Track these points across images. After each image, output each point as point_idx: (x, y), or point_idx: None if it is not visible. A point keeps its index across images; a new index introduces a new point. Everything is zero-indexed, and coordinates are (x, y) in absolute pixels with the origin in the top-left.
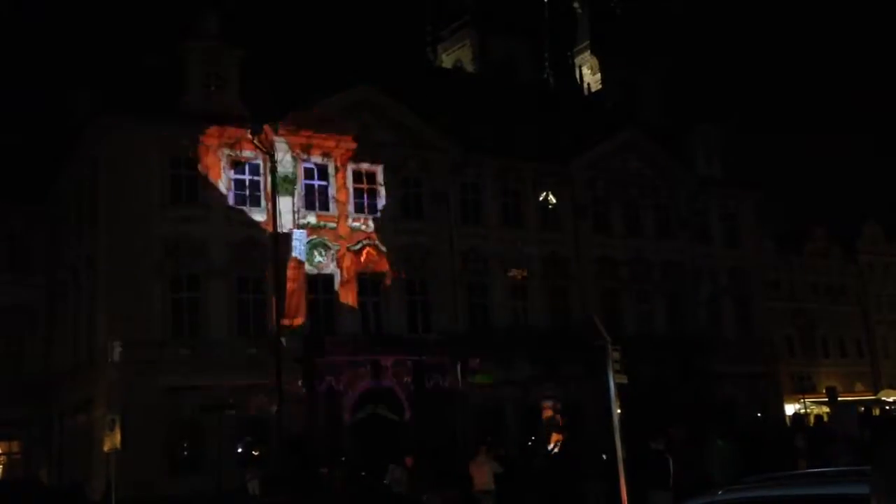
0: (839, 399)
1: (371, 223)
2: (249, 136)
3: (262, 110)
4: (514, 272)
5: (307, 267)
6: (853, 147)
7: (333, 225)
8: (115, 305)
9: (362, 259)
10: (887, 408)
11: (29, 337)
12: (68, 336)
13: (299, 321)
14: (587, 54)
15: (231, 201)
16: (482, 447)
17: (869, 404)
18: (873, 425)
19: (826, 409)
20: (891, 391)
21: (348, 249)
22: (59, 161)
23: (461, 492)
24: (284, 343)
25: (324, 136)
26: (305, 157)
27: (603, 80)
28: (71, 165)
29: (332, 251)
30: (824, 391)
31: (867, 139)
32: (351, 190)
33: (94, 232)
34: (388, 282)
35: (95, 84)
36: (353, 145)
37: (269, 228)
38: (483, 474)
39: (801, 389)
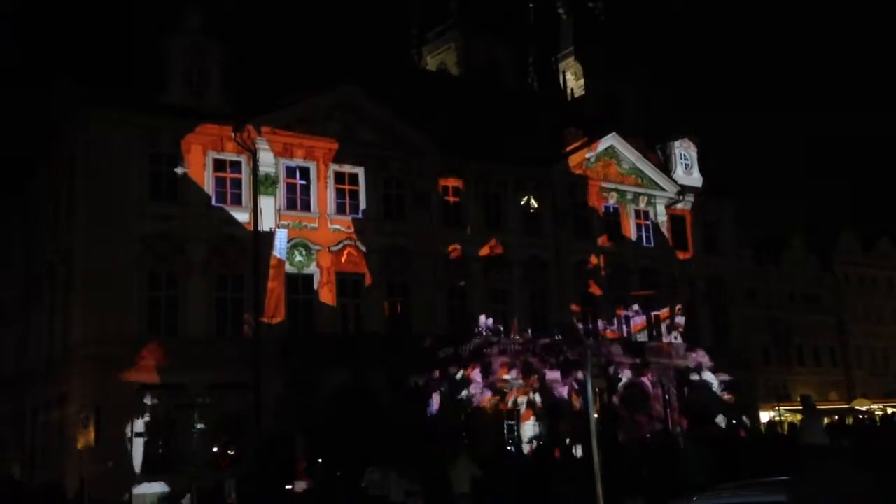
0: (809, 405)
1: (352, 224)
2: (231, 134)
3: (245, 108)
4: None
5: (287, 266)
6: (834, 156)
7: (315, 225)
8: (91, 301)
9: (343, 260)
10: (860, 416)
11: (3, 331)
12: (43, 331)
13: (278, 320)
14: (571, 60)
15: (211, 199)
16: (461, 451)
17: (843, 413)
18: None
19: (800, 417)
20: (864, 400)
21: (329, 250)
22: (38, 155)
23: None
24: (263, 341)
25: (307, 135)
26: (288, 156)
27: (586, 87)
28: (49, 160)
29: (312, 251)
30: (799, 399)
31: (849, 148)
32: (333, 190)
33: (71, 227)
34: (368, 282)
35: (75, 78)
36: (336, 146)
37: (250, 227)
38: (462, 478)
39: (777, 397)
